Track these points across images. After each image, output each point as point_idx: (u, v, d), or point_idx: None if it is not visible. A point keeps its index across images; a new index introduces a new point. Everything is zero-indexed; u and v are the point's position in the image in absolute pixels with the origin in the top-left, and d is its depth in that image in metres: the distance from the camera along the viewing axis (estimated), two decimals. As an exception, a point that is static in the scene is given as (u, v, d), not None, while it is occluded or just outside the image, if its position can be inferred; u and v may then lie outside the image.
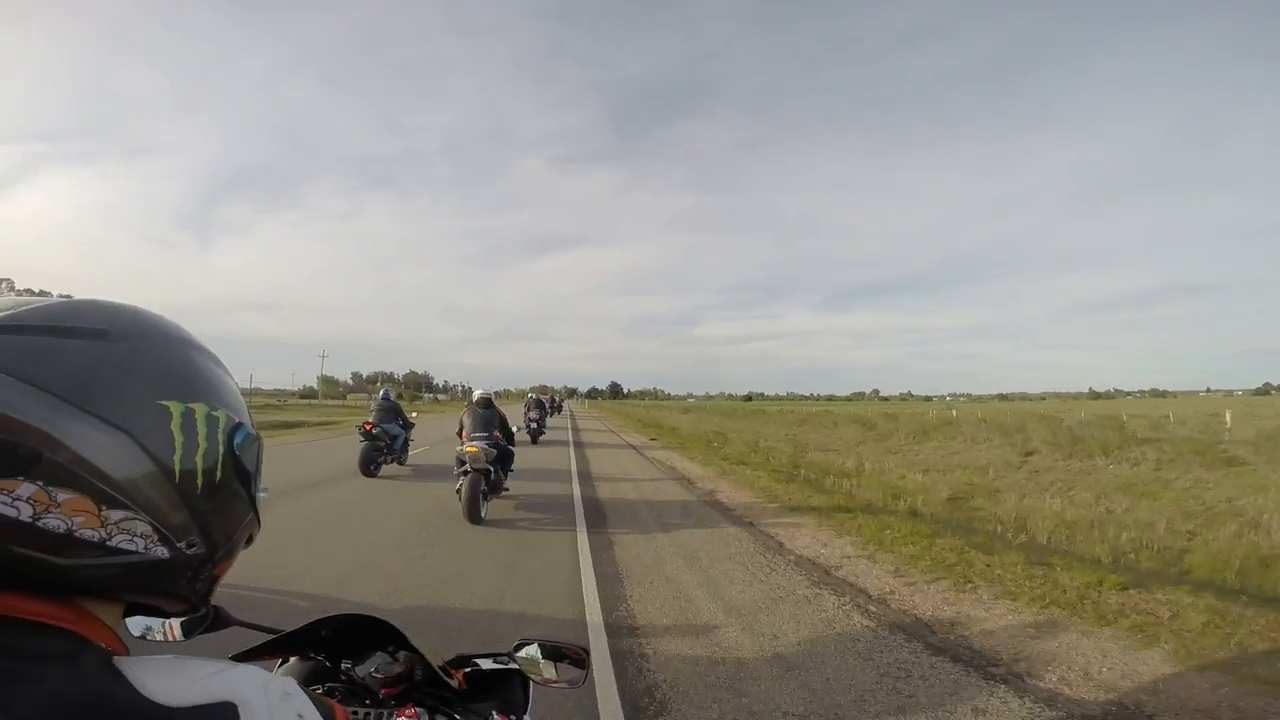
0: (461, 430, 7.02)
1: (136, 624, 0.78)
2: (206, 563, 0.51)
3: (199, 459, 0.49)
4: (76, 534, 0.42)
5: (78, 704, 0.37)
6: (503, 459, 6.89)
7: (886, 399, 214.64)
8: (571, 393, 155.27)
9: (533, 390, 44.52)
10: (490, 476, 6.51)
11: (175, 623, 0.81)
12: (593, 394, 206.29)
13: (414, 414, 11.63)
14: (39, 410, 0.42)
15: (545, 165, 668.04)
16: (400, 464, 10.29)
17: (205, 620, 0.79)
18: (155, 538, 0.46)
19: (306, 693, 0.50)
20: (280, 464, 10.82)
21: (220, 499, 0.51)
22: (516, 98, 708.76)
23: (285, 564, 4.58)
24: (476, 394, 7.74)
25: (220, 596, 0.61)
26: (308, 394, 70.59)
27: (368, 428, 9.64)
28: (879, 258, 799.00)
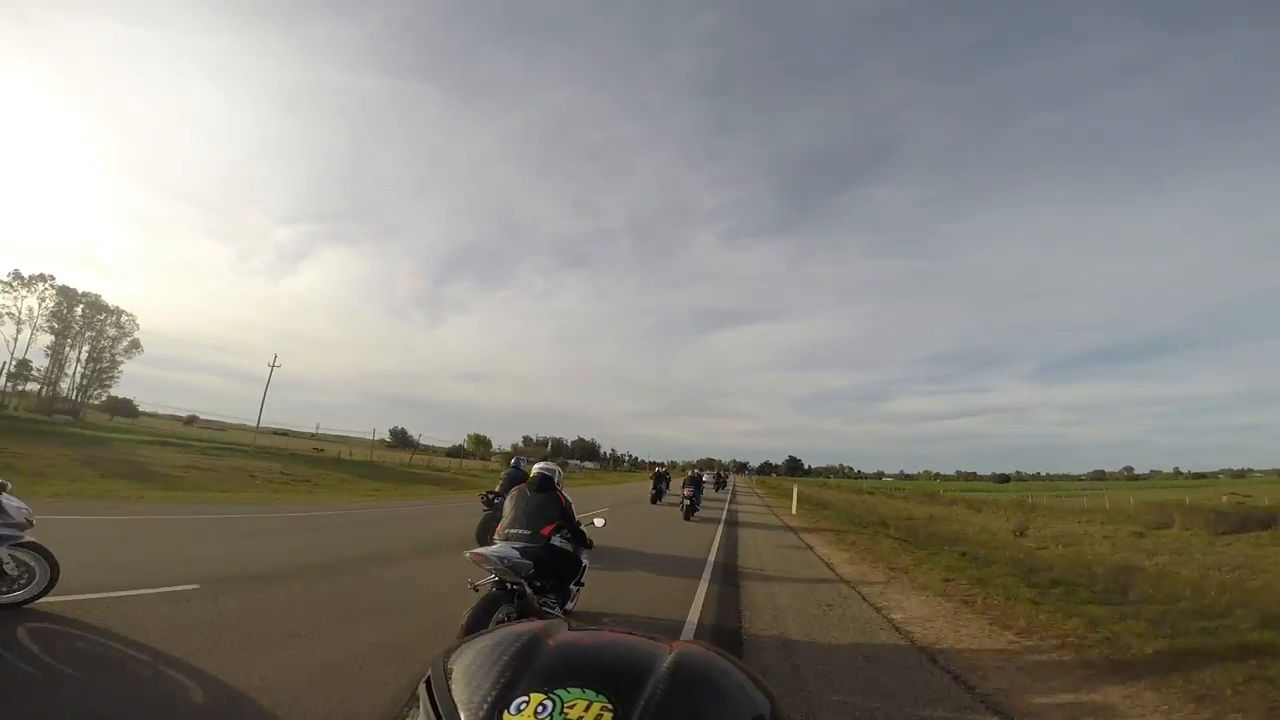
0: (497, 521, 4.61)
1: None
2: None
3: None
4: None
5: None
6: (558, 569, 4.25)
7: (1138, 477, 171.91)
8: (741, 467, 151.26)
9: (697, 466, 46.89)
10: (523, 596, 3.73)
11: None
12: (765, 469, 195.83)
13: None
14: None
15: (716, 240, 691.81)
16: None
17: None
18: None
19: None
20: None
21: None
22: (688, 174, 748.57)
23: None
24: (536, 468, 4.73)
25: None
26: (454, 452, 72.36)
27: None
28: (1108, 318, 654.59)
